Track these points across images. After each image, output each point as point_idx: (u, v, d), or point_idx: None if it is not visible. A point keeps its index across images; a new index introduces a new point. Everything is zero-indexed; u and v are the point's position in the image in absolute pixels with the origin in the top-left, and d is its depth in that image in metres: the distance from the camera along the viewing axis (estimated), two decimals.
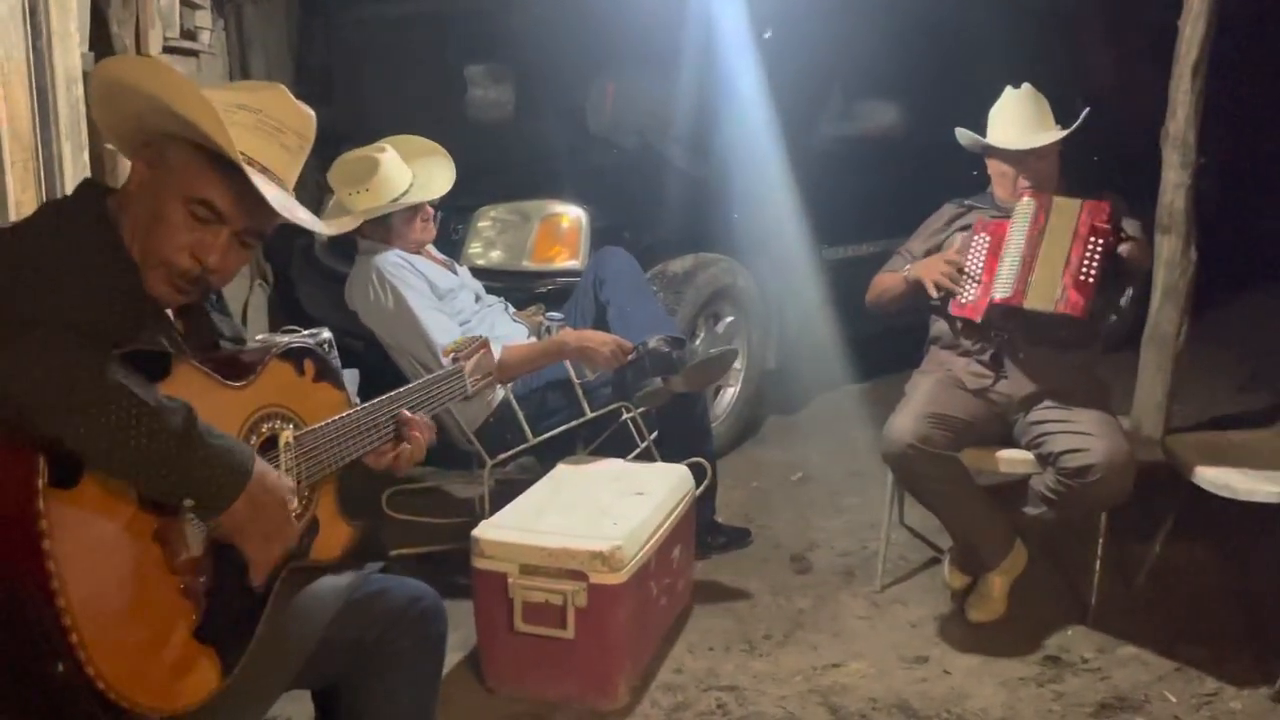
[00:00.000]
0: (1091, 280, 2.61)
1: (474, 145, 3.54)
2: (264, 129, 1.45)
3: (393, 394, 1.70)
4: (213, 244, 1.43)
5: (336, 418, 1.55)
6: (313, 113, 1.53)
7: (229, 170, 1.40)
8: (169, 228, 1.41)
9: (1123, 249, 2.65)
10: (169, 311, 1.50)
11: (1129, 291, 4.85)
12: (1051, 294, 2.62)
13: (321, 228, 1.63)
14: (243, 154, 1.40)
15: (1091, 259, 2.61)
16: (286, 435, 1.47)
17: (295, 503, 1.44)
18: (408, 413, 1.68)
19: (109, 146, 2.75)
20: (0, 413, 1.16)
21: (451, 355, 1.97)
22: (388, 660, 1.60)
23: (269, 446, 1.46)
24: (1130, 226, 2.71)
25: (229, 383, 1.41)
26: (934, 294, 2.79)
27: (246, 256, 1.51)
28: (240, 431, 1.41)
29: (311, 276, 4.13)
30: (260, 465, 1.35)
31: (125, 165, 1.75)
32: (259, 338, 2.51)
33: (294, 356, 1.54)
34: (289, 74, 5.12)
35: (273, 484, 1.36)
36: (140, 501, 1.25)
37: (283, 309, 4.41)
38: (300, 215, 1.50)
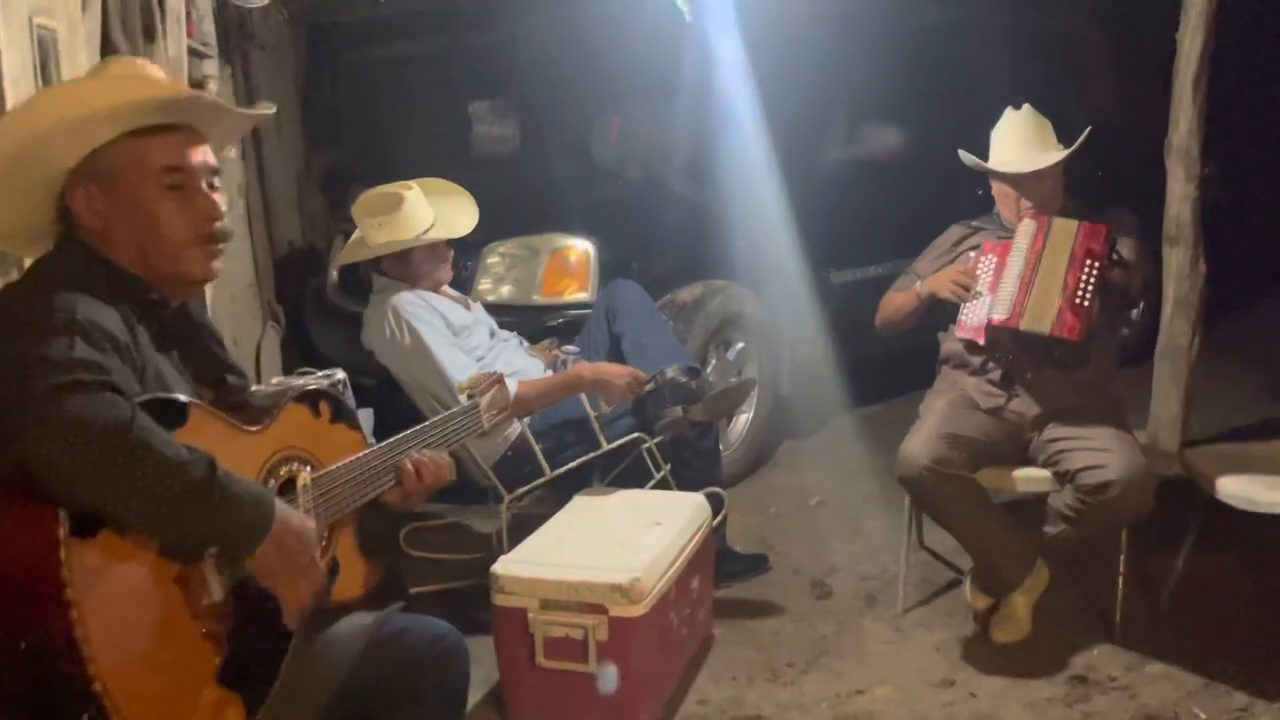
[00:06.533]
0: (1086, 304, 2.62)
1: (481, 181, 3.58)
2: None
3: (409, 432, 1.72)
4: (205, 199, 1.50)
5: (354, 458, 1.57)
6: (144, 59, 1.61)
7: (163, 132, 1.47)
8: (167, 217, 1.46)
9: (1110, 275, 2.66)
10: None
11: (1140, 305, 4.88)
12: (1048, 316, 2.62)
13: (259, 115, 1.70)
14: None
15: (1088, 282, 2.63)
16: (304, 477, 1.48)
17: (319, 542, 1.45)
18: (416, 454, 1.69)
19: None
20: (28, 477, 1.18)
21: (466, 392, 1.98)
22: (411, 700, 1.60)
23: (287, 489, 1.47)
24: (1126, 247, 2.71)
25: (246, 427, 1.42)
26: (952, 299, 2.78)
27: (220, 199, 1.57)
28: (258, 475, 1.42)
29: (323, 317, 4.16)
30: (283, 508, 1.36)
31: None
32: (274, 380, 2.53)
33: (310, 399, 1.56)
34: (297, 117, 5.18)
35: (296, 526, 1.38)
36: (161, 548, 1.26)
37: (295, 350, 4.43)
38: (243, 110, 1.63)
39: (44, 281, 1.42)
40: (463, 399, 1.96)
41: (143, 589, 1.24)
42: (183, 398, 1.35)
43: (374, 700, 1.59)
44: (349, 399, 2.51)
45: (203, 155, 1.52)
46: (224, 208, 1.57)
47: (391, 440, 1.67)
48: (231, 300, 4.02)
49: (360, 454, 1.58)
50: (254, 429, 1.44)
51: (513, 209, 3.83)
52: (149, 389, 1.38)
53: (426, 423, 1.78)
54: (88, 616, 1.15)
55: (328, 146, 5.42)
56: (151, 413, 1.25)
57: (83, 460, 1.16)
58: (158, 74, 1.58)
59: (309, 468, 1.50)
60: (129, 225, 1.46)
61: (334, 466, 1.53)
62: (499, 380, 2.06)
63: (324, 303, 4.17)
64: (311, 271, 4.51)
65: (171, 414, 1.30)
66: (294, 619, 1.40)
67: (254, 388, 1.66)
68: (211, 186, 1.53)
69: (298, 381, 2.44)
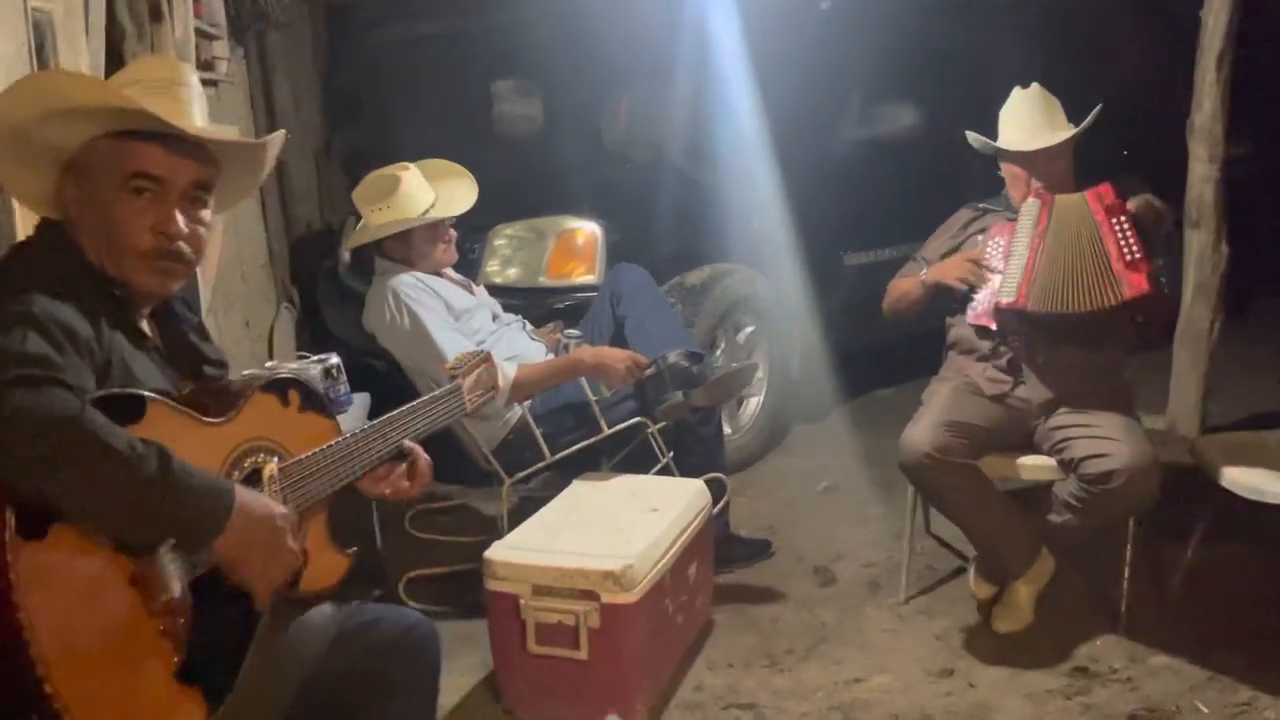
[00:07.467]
0: (1139, 255, 2.55)
1: (499, 162, 3.56)
2: (152, 93, 1.48)
3: (386, 417, 1.70)
4: (168, 214, 1.47)
5: (323, 447, 1.55)
6: (178, 59, 1.58)
7: (148, 138, 1.45)
8: (122, 220, 1.45)
9: (1130, 206, 2.59)
10: (147, 327, 1.52)
11: (1162, 281, 4.78)
12: (1067, 295, 2.57)
13: (238, 135, 1.65)
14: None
15: (1127, 237, 2.56)
16: (271, 468, 1.47)
17: (292, 521, 1.43)
18: (409, 442, 1.69)
19: None
20: None
21: (450, 372, 1.97)
22: (381, 691, 1.59)
23: (253, 480, 1.46)
24: (1137, 198, 2.65)
25: (208, 419, 1.41)
26: (960, 288, 2.74)
27: (205, 217, 1.53)
28: (222, 468, 1.41)
29: (335, 299, 4.17)
30: (243, 495, 1.34)
31: None
32: (268, 364, 2.54)
33: (278, 388, 1.55)
34: (316, 98, 5.18)
35: (261, 512, 1.36)
36: (114, 547, 1.24)
37: (309, 331, 4.46)
38: (226, 134, 1.57)
39: (12, 272, 1.42)
40: (445, 378, 1.95)
41: (95, 588, 1.23)
42: (141, 392, 1.33)
43: (344, 691, 1.58)
44: (343, 383, 2.51)
45: (186, 170, 1.49)
46: (203, 228, 1.53)
47: (367, 426, 1.66)
48: (244, 280, 4.05)
49: (330, 443, 1.57)
50: (218, 421, 1.42)
51: (523, 190, 3.82)
52: (115, 382, 1.37)
53: (405, 407, 1.76)
54: (35, 618, 1.14)
55: (348, 127, 5.41)
56: (108, 407, 1.24)
57: (28, 455, 1.15)
58: (176, 76, 1.54)
59: (277, 458, 1.49)
60: (93, 222, 1.45)
61: (302, 456, 1.52)
62: (485, 360, 2.04)
63: (335, 284, 4.18)
64: (324, 254, 4.52)
65: (128, 409, 1.28)
66: (263, 601, 1.38)
67: (246, 373, 1.65)
68: (193, 201, 1.50)
69: (293, 366, 2.44)
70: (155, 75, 1.51)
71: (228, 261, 3.78)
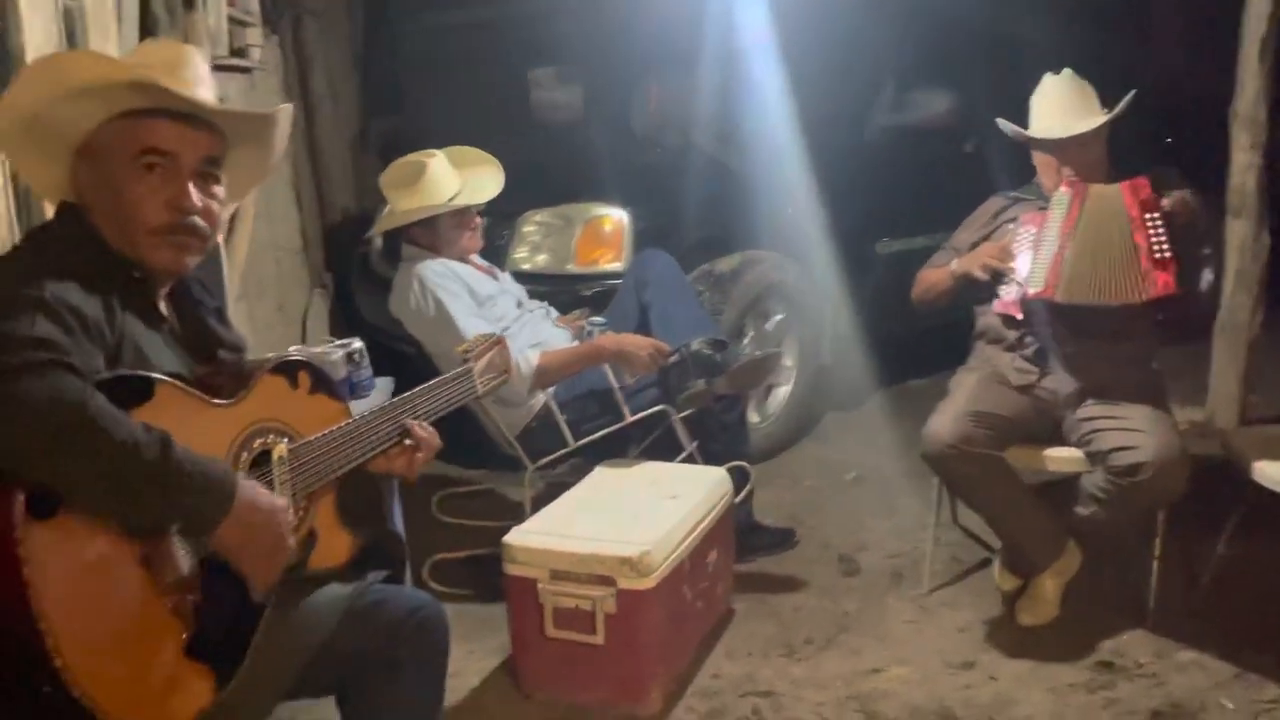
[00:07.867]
0: (1169, 254, 2.50)
1: (531, 149, 3.52)
2: (158, 73, 1.48)
3: (397, 399, 1.72)
4: (181, 188, 1.48)
5: (333, 428, 1.57)
6: (189, 46, 1.60)
7: (156, 114, 1.47)
8: (135, 197, 1.46)
9: (1165, 203, 2.54)
10: (164, 309, 1.54)
11: (1208, 275, 4.69)
12: (1094, 287, 2.53)
13: (250, 108, 1.65)
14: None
15: (1159, 235, 2.51)
16: (280, 449, 1.48)
17: (291, 515, 1.45)
18: (413, 423, 1.70)
19: None
20: None
21: (461, 354, 1.97)
22: (388, 671, 1.61)
23: (263, 461, 1.48)
24: (1173, 195, 2.59)
25: (216, 401, 1.42)
26: (984, 278, 2.71)
27: (219, 193, 1.55)
28: (231, 448, 1.43)
29: (367, 285, 4.20)
30: (245, 485, 1.35)
31: None
32: (292, 349, 2.57)
33: (287, 370, 1.56)
34: (353, 86, 5.21)
35: (262, 503, 1.37)
36: (122, 527, 1.26)
37: (342, 317, 4.49)
38: (235, 107, 1.59)
39: (28, 255, 1.45)
40: (457, 360, 1.96)
41: (104, 566, 1.24)
42: (151, 374, 1.34)
43: (351, 670, 1.60)
44: (366, 368, 2.52)
45: (196, 144, 1.50)
46: (217, 204, 1.54)
47: (377, 408, 1.67)
48: (277, 265, 4.09)
49: (340, 424, 1.58)
50: (227, 402, 1.44)
51: (553, 177, 3.82)
52: (126, 364, 1.39)
53: (416, 389, 1.77)
54: (46, 594, 1.16)
55: (385, 114, 5.43)
56: (116, 389, 1.26)
57: (34, 441, 1.17)
58: (182, 57, 1.57)
59: (286, 440, 1.51)
60: (107, 203, 1.47)
61: (312, 437, 1.53)
62: (499, 343, 2.04)
63: (367, 271, 4.21)
64: (358, 240, 4.55)
65: (136, 390, 1.30)
66: (261, 593, 1.40)
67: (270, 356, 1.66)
68: (204, 176, 1.51)
69: (316, 350, 2.46)
70: (161, 57, 1.53)
71: (261, 246, 3.82)
